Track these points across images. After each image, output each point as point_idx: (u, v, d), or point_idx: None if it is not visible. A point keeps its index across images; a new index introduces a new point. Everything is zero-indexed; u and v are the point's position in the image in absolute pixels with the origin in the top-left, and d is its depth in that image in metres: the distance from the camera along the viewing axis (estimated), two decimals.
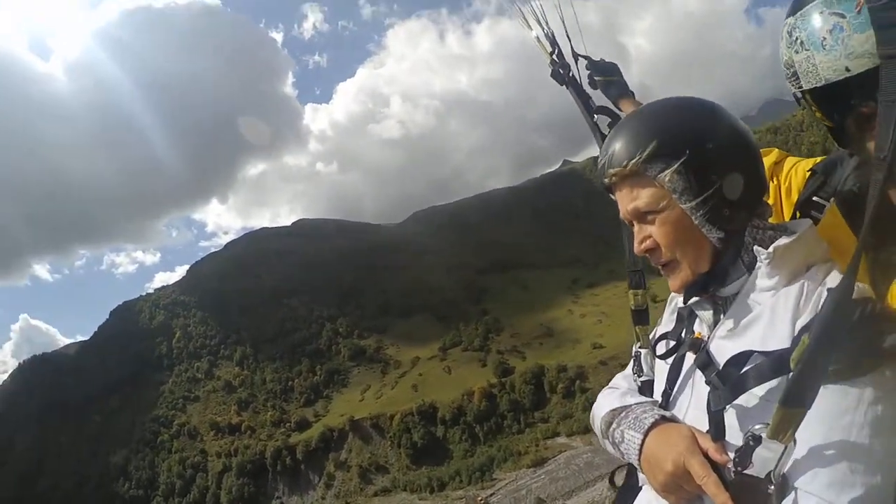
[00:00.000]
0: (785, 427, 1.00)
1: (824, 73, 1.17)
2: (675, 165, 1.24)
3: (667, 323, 1.57)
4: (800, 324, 1.13)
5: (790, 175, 1.80)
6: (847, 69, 1.13)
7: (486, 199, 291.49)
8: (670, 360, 1.43)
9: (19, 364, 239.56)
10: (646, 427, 1.27)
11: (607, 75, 2.10)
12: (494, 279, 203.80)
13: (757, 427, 1.06)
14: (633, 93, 2.20)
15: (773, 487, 1.02)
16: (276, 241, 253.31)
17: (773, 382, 1.10)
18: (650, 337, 1.64)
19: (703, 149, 1.24)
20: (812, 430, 1.03)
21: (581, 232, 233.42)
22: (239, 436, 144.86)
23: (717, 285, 1.30)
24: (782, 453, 1.02)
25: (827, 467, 1.01)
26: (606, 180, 1.34)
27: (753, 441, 1.05)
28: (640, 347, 1.66)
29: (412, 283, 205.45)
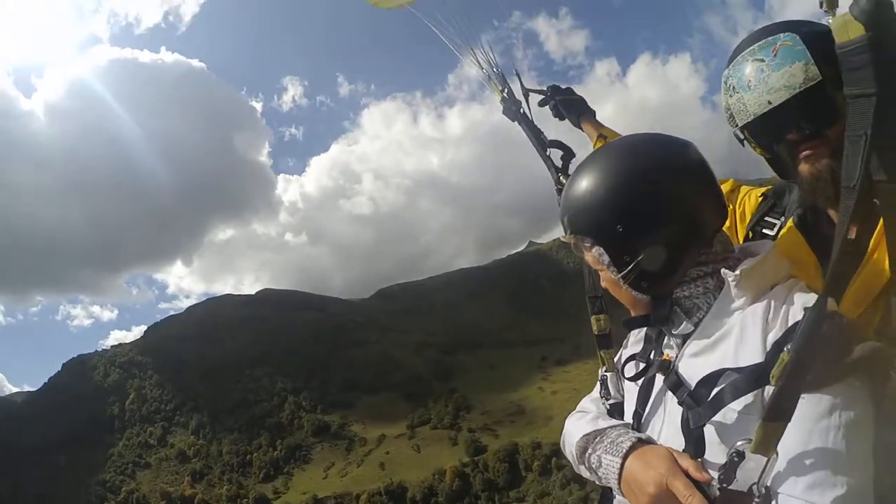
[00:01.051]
0: (768, 441, 1.05)
1: (752, 108, 1.40)
2: (591, 242, 1.39)
3: (634, 345, 1.62)
4: (770, 339, 1.19)
5: (744, 201, 1.94)
6: (769, 102, 1.36)
7: (454, 278, 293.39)
8: (640, 381, 1.47)
9: None
10: (624, 451, 1.28)
11: (566, 95, 2.19)
12: (462, 358, 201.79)
13: (739, 443, 1.11)
14: (593, 111, 2.32)
15: (757, 500, 1.06)
16: (239, 308, 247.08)
17: (749, 397, 1.16)
18: (615, 360, 1.70)
19: (613, 231, 1.34)
20: (791, 437, 1.07)
21: (548, 310, 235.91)
22: None
23: (660, 326, 1.43)
24: (765, 466, 1.06)
25: (807, 471, 1.06)
26: (563, 238, 1.47)
27: (738, 457, 1.09)
28: (605, 371, 1.70)
29: (379, 359, 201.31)
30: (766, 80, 1.37)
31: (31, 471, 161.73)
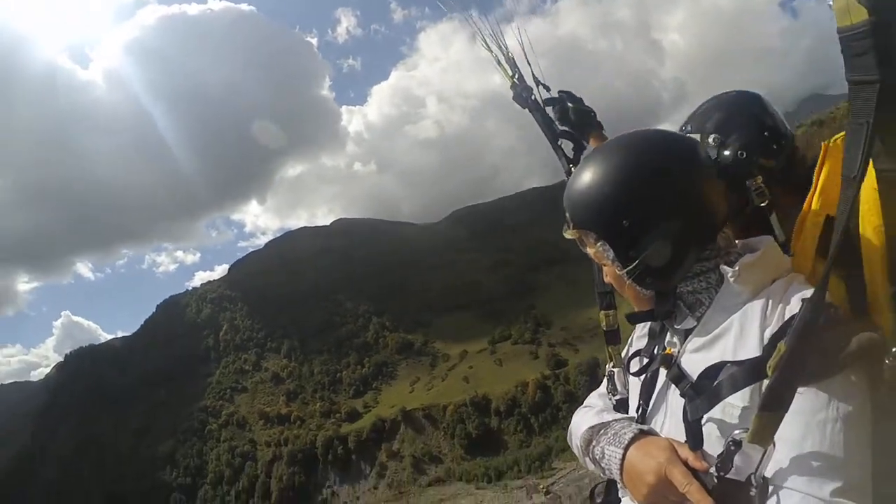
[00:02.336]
0: (764, 431, 1.06)
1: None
2: (595, 237, 1.37)
3: (639, 341, 1.63)
4: (768, 333, 1.20)
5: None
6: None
7: (526, 198, 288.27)
8: (643, 376, 1.49)
9: (66, 355, 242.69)
10: (625, 442, 1.30)
11: (579, 105, 2.15)
12: (539, 276, 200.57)
13: (737, 433, 1.12)
14: (601, 125, 2.22)
15: (755, 489, 1.07)
16: (316, 239, 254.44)
17: (747, 390, 1.17)
18: (622, 355, 1.71)
19: (618, 227, 1.32)
20: (789, 430, 1.08)
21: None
22: (288, 426, 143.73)
23: (663, 320, 1.41)
24: (762, 456, 1.07)
25: (806, 464, 1.07)
26: (566, 235, 1.45)
27: (734, 446, 1.11)
28: (612, 367, 1.71)
29: (455, 280, 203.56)
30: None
31: (133, 407, 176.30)
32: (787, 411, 1.06)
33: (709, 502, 1.07)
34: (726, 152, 1.57)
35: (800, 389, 1.09)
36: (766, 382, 1.10)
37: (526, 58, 2.21)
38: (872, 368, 1.13)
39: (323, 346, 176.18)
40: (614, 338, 1.81)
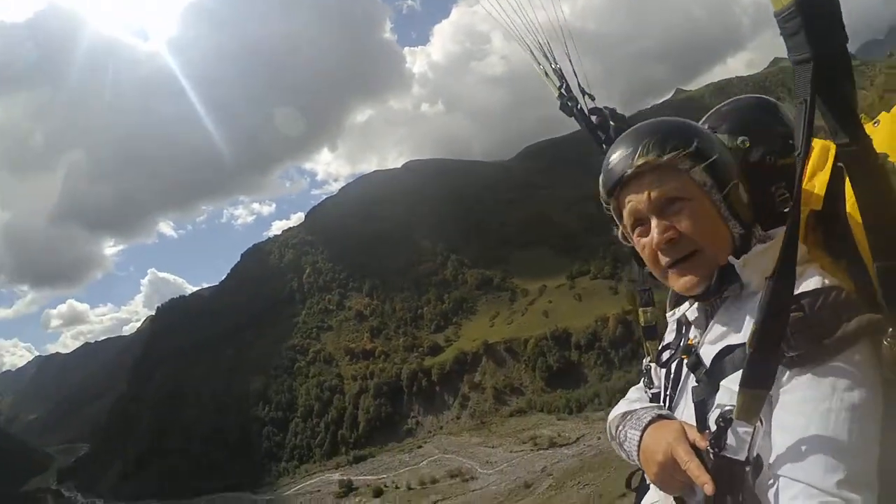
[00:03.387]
0: (749, 408, 1.10)
1: None
2: (705, 164, 1.34)
3: (668, 335, 1.71)
4: None
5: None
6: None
7: None
8: (671, 366, 1.55)
9: (157, 307, 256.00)
10: (644, 424, 1.37)
11: (620, 124, 2.19)
12: None
13: (727, 409, 1.17)
14: None
15: (748, 468, 1.12)
16: (389, 182, 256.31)
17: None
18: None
19: (727, 160, 1.39)
20: (793, 419, 1.11)
21: None
22: (373, 360, 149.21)
23: (728, 284, 1.36)
24: (752, 434, 1.11)
25: (809, 454, 1.06)
26: (630, 171, 1.37)
27: (724, 422, 1.15)
28: (650, 361, 1.76)
29: (530, 216, 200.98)
30: None
31: (224, 349, 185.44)
32: (769, 390, 1.09)
33: (706, 478, 1.11)
34: (753, 154, 1.59)
35: (801, 377, 1.13)
36: None
37: (573, 69, 2.27)
38: (875, 350, 1.13)
39: (403, 284, 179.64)
40: (652, 333, 1.87)
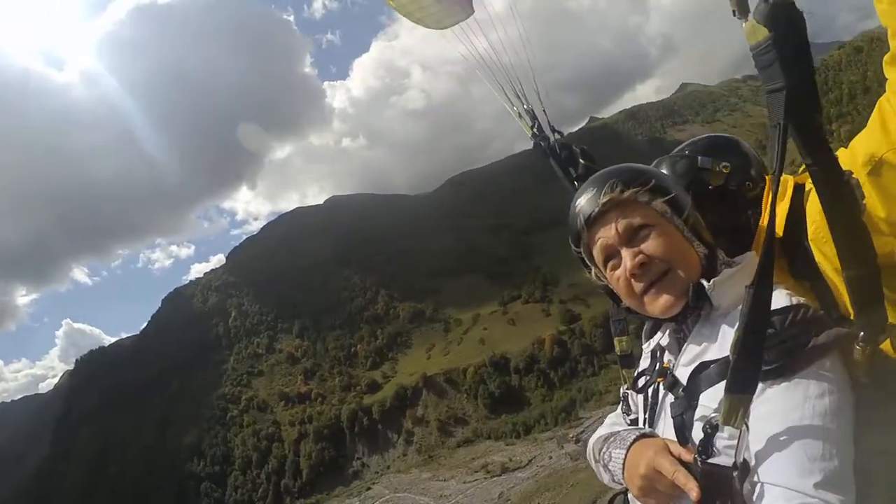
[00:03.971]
0: (734, 413, 1.14)
1: None
2: (663, 198, 1.45)
3: (644, 360, 1.75)
4: None
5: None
6: None
7: (518, 162, 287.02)
8: (647, 391, 1.60)
9: (76, 360, 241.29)
10: (628, 443, 1.42)
11: (588, 161, 2.28)
12: (541, 237, 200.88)
13: (713, 416, 1.22)
14: None
15: (736, 472, 1.15)
16: (312, 218, 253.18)
17: (724, 382, 1.20)
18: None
19: (683, 193, 1.50)
20: (769, 427, 1.16)
21: None
22: (310, 403, 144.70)
23: (703, 301, 1.42)
24: (738, 439, 1.16)
25: (787, 459, 1.12)
26: (597, 209, 1.46)
27: (710, 429, 1.19)
28: (627, 388, 1.80)
29: (457, 246, 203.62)
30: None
31: (150, 400, 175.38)
32: (752, 395, 1.14)
33: (693, 484, 1.15)
34: (732, 181, 1.73)
35: (775, 387, 1.20)
36: None
37: (543, 108, 2.43)
38: (846, 358, 1.22)
39: (335, 322, 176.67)
40: (628, 362, 1.91)
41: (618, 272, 1.46)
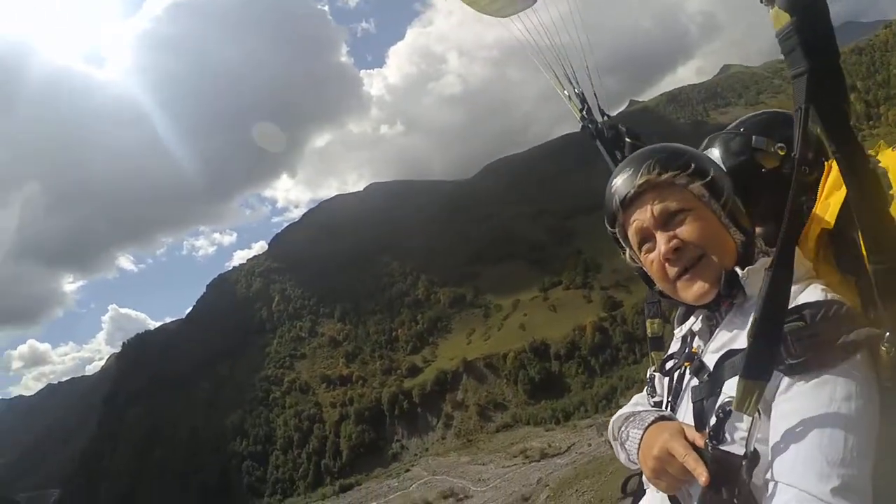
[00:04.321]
0: (747, 398, 1.13)
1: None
2: (702, 181, 1.42)
3: (674, 345, 1.76)
4: None
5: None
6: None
7: (557, 146, 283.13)
8: (673, 375, 1.60)
9: (123, 343, 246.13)
10: (646, 424, 1.41)
11: (634, 139, 2.26)
12: (581, 222, 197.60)
13: (725, 400, 1.22)
14: None
15: (745, 461, 1.14)
16: (352, 205, 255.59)
17: None
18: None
19: (723, 176, 1.47)
20: (790, 427, 1.14)
21: None
22: (351, 386, 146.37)
23: (737, 290, 1.41)
24: (750, 427, 1.15)
25: (804, 461, 1.10)
26: (633, 190, 1.44)
27: (723, 414, 1.20)
28: (654, 370, 1.77)
29: (497, 231, 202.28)
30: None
31: (197, 383, 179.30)
32: (767, 381, 1.14)
33: (702, 469, 1.15)
34: (788, 164, 1.64)
35: (802, 384, 1.17)
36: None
37: (595, 93, 2.44)
38: (873, 359, 1.18)
39: (375, 306, 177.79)
40: (658, 344, 1.91)
41: (652, 255, 1.45)
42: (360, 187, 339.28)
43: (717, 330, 1.45)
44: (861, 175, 1.11)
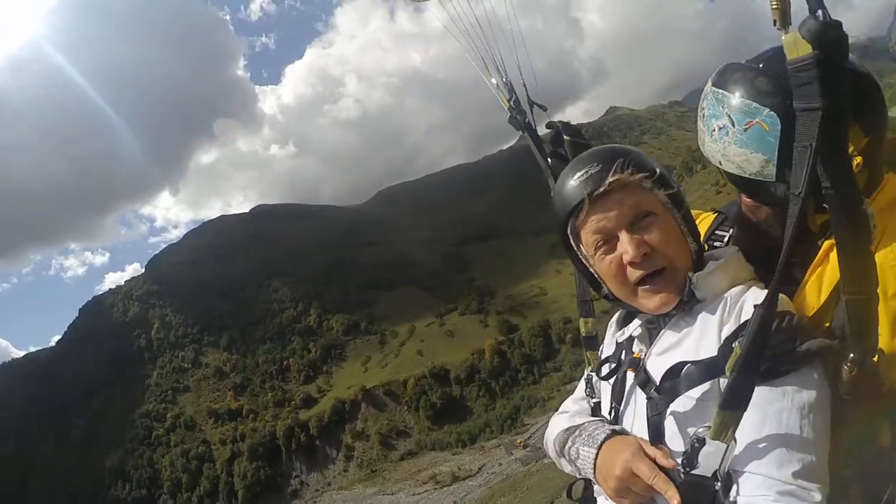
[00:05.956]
0: (725, 428, 1.14)
1: (706, 152, 1.48)
2: (666, 191, 1.40)
3: (609, 346, 1.69)
4: (725, 331, 1.30)
5: (701, 224, 1.89)
6: (720, 163, 1.42)
7: (450, 175, 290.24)
8: (612, 380, 1.55)
9: None
10: (599, 441, 1.38)
11: (574, 136, 2.17)
12: (474, 249, 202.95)
13: (700, 430, 1.20)
14: None
15: (718, 484, 1.16)
16: (238, 226, 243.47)
17: (706, 385, 1.25)
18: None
19: (681, 190, 1.44)
20: (748, 421, 1.16)
21: (549, 202, 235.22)
22: (242, 420, 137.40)
23: (690, 296, 1.40)
24: (724, 452, 1.16)
25: (765, 450, 1.16)
26: (603, 187, 1.37)
27: (698, 443, 1.19)
28: (591, 371, 1.73)
29: (392, 257, 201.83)
30: (725, 145, 1.41)
31: (72, 418, 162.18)
32: (746, 409, 1.14)
33: (673, 491, 1.16)
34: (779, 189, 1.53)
35: (763, 389, 1.19)
36: (721, 381, 1.22)
37: (523, 82, 2.26)
38: (831, 371, 1.24)
39: (264, 334, 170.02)
40: (593, 344, 1.84)
41: (611, 257, 1.41)
42: (245, 209, 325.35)
43: (662, 332, 1.44)
44: (852, 215, 1.14)
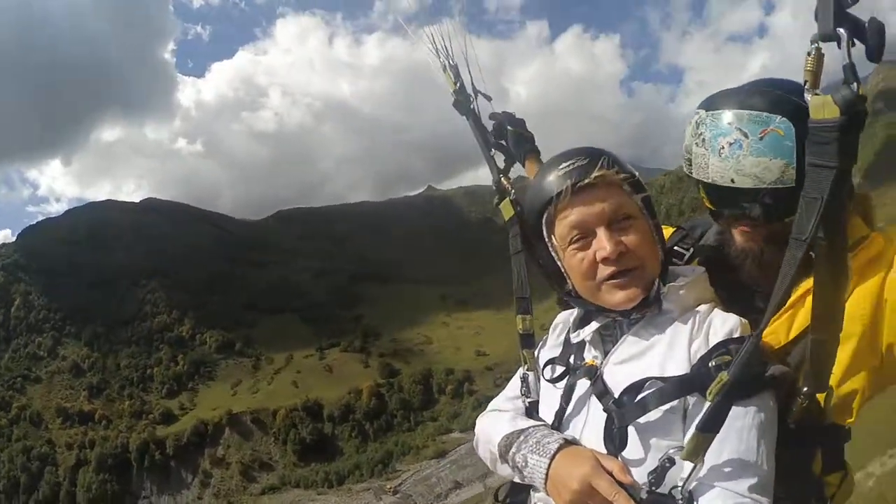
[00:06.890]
0: (698, 450, 1.19)
1: (713, 174, 1.43)
2: (641, 196, 1.46)
3: (553, 348, 1.68)
4: (694, 347, 1.35)
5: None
6: (733, 181, 1.40)
7: (354, 210, 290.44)
8: (561, 384, 1.53)
9: None
10: (551, 452, 1.36)
11: (519, 128, 2.21)
12: (365, 288, 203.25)
13: (672, 451, 1.25)
14: (539, 151, 2.24)
15: (681, 501, 1.20)
16: (124, 216, 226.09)
17: (673, 402, 1.28)
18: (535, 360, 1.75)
19: (650, 196, 1.50)
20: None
21: (449, 254, 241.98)
22: (93, 425, 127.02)
23: (654, 301, 1.43)
24: (691, 472, 1.20)
25: (724, 463, 1.21)
26: (587, 180, 1.39)
27: (669, 463, 1.23)
28: (527, 370, 1.69)
29: (280, 282, 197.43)
30: (739, 159, 1.38)
31: None
32: (719, 431, 1.20)
33: None
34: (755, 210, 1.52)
35: None
36: (689, 399, 1.29)
37: (468, 68, 2.20)
38: (781, 395, 1.33)
39: (131, 336, 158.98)
40: (529, 342, 1.75)
41: (583, 253, 1.43)
42: (135, 198, 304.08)
43: (623, 338, 1.45)
44: (837, 265, 1.22)
